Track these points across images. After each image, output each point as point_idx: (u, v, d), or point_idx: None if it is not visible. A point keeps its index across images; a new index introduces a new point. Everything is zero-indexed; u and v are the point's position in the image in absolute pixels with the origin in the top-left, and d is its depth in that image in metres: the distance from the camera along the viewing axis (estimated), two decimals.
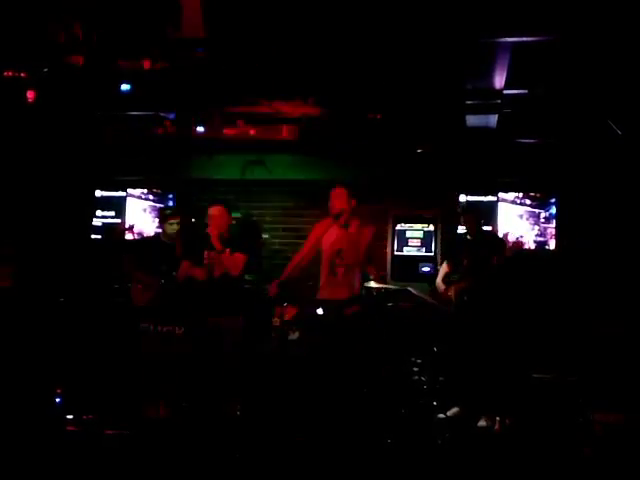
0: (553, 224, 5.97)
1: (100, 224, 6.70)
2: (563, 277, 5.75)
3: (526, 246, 5.98)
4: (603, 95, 4.71)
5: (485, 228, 5.90)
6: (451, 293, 5.23)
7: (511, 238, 5.70)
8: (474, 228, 5.26)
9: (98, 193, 6.69)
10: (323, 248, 4.67)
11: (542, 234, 6.01)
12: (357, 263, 4.65)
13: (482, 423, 4.62)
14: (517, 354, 5.13)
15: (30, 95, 4.85)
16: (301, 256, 4.79)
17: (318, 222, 4.92)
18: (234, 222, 5.80)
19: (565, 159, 5.83)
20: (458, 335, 4.99)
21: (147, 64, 4.35)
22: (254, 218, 6.65)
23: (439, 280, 5.40)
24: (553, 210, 5.98)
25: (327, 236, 4.64)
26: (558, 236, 5.95)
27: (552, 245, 5.99)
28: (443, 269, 5.45)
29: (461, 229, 6.04)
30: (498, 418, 4.61)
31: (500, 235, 5.97)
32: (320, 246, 4.68)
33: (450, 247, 5.79)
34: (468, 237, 5.32)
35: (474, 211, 5.41)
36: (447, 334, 5.12)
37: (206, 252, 4.74)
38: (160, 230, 5.50)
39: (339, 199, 4.59)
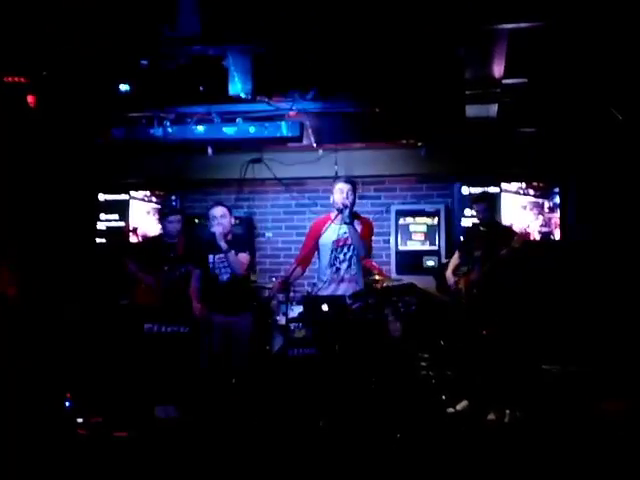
0: (557, 214, 5.91)
1: (104, 227, 6.70)
2: (569, 267, 5.70)
3: (531, 237, 5.91)
4: (603, 81, 4.67)
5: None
6: (461, 286, 5.17)
7: (517, 229, 5.61)
8: (487, 218, 5.13)
9: (101, 197, 6.70)
10: (324, 244, 4.65)
11: (546, 224, 5.95)
12: (360, 258, 4.64)
13: (491, 416, 4.58)
14: (526, 346, 5.09)
15: (31, 100, 4.85)
16: (303, 254, 4.78)
17: (317, 219, 4.91)
18: (237, 222, 5.82)
19: (567, 147, 5.78)
20: (469, 328, 4.95)
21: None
22: (256, 217, 6.65)
23: (449, 272, 5.31)
24: (557, 199, 5.93)
25: (328, 232, 4.63)
26: (562, 226, 5.89)
27: (557, 235, 5.93)
28: (453, 260, 5.36)
29: (465, 222, 6.02)
30: (508, 411, 4.58)
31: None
32: (321, 242, 4.66)
33: (461, 238, 5.67)
34: (481, 228, 5.20)
35: (487, 200, 5.24)
36: (455, 327, 5.09)
37: (211, 254, 4.75)
38: (161, 230, 5.48)
39: (342, 194, 4.57)
